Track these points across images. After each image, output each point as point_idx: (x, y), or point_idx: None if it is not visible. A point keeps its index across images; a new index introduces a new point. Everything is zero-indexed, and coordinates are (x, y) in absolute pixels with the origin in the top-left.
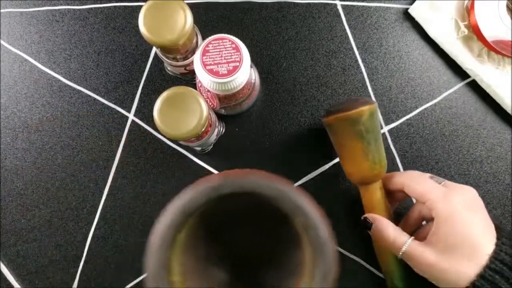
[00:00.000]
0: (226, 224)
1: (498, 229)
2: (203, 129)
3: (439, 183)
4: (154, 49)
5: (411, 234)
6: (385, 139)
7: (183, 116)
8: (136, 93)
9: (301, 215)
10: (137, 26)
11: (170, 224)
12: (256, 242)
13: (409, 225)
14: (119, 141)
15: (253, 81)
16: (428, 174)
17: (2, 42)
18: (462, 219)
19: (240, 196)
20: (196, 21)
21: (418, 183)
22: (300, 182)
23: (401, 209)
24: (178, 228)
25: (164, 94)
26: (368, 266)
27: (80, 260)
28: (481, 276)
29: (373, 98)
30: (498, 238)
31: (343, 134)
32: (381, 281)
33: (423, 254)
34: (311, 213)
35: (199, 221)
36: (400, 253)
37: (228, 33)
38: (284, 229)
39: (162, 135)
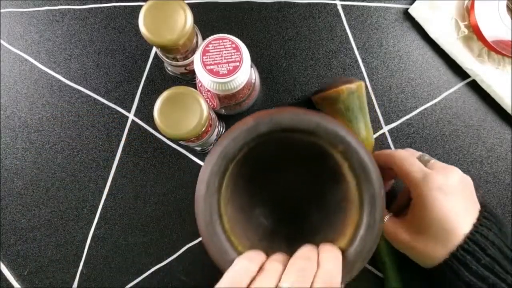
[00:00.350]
0: (265, 171)
1: (483, 209)
2: (203, 129)
3: (427, 162)
4: (154, 49)
5: (402, 211)
6: (385, 139)
7: (183, 116)
8: (136, 93)
9: (341, 142)
10: (137, 26)
11: (213, 171)
12: (296, 186)
13: (401, 203)
14: (119, 141)
15: (253, 81)
16: (419, 153)
17: (2, 42)
18: (437, 202)
19: (276, 137)
20: (196, 21)
21: (404, 162)
22: None
23: (396, 187)
24: (222, 174)
25: (164, 94)
26: (368, 265)
27: (80, 260)
28: (453, 254)
29: (373, 98)
30: (478, 219)
31: (326, 112)
32: (382, 281)
33: (397, 233)
34: (351, 139)
35: (238, 169)
36: None
37: (228, 33)
38: (323, 167)
39: (162, 135)
